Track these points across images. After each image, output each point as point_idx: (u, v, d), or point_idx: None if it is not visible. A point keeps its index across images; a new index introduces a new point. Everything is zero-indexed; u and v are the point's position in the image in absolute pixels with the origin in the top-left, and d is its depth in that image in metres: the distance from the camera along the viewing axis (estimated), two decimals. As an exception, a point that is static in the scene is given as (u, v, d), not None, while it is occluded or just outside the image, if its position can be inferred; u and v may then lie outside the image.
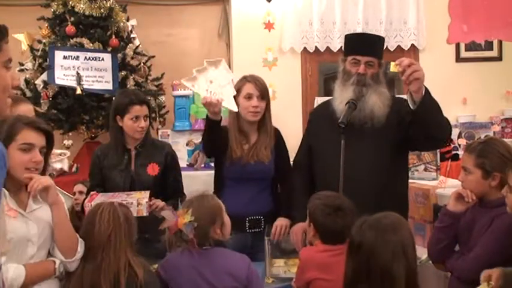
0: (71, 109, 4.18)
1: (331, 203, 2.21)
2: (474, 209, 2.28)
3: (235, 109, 2.81)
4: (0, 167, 1.29)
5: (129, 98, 2.82)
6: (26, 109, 2.81)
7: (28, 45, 4.40)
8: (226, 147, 2.87)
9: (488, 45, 5.10)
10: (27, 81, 4.26)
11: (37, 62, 4.26)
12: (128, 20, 4.50)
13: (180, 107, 4.58)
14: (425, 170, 3.68)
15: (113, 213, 2.09)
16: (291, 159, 3.02)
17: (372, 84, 2.63)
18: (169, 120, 4.69)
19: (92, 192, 2.67)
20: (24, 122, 1.98)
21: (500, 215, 2.17)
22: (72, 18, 4.23)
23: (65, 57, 4.18)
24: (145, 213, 2.49)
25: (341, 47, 4.82)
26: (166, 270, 2.18)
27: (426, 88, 2.40)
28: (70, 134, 4.32)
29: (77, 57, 4.19)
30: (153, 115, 4.24)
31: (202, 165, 4.36)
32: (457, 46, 5.07)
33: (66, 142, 4.25)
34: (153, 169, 2.83)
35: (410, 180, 2.92)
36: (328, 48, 4.92)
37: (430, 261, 2.49)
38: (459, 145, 4.79)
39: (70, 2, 4.23)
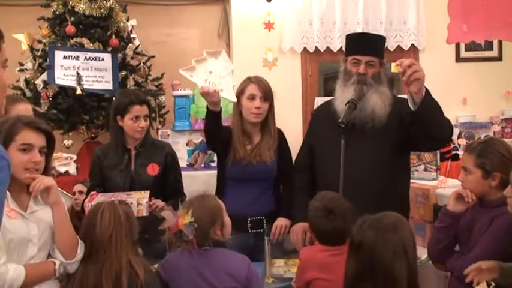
0: (71, 109, 4.18)
1: (325, 205, 2.22)
2: (474, 209, 2.28)
3: (234, 99, 2.82)
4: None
5: (129, 98, 2.82)
6: (25, 108, 2.81)
7: (28, 45, 4.40)
8: (230, 147, 2.87)
9: (488, 45, 5.10)
10: (27, 81, 4.27)
11: (37, 62, 4.26)
12: (127, 20, 4.50)
13: (180, 107, 4.58)
14: (425, 170, 3.68)
15: (114, 213, 2.09)
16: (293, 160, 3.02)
17: (372, 84, 2.63)
18: (169, 120, 4.69)
19: (92, 192, 2.67)
20: (23, 122, 1.98)
21: (500, 215, 2.17)
22: (72, 18, 4.23)
23: (65, 57, 4.18)
24: (145, 213, 2.49)
25: (341, 47, 4.82)
26: (166, 270, 2.18)
27: (427, 89, 2.40)
28: (70, 134, 4.32)
29: (77, 57, 4.19)
30: (153, 115, 4.24)
31: (202, 165, 4.36)
32: (457, 46, 5.07)
33: (66, 142, 4.25)
34: (153, 169, 2.83)
35: (410, 180, 2.91)
36: (328, 48, 4.92)
37: (430, 261, 2.49)
38: (459, 145, 4.79)
39: (70, 2, 4.23)
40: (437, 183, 3.23)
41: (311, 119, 3.06)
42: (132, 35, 4.54)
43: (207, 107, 2.75)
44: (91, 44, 4.21)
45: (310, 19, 4.88)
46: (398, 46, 4.97)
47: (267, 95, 2.88)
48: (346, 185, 2.39)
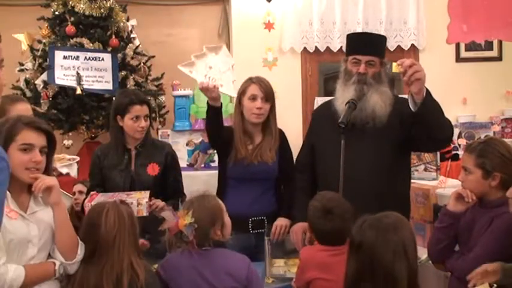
0: (71, 109, 4.19)
1: (324, 205, 2.22)
2: (474, 209, 2.28)
3: (234, 94, 2.83)
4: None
5: (130, 97, 2.82)
6: (24, 108, 2.81)
7: (28, 45, 4.41)
8: (231, 147, 2.87)
9: (488, 45, 5.10)
10: (27, 81, 4.27)
11: (37, 62, 4.26)
12: (127, 20, 4.50)
13: (180, 107, 4.58)
14: (425, 170, 3.68)
15: (118, 213, 2.08)
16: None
17: (373, 84, 2.62)
18: (169, 120, 4.69)
19: (92, 192, 2.67)
20: (24, 122, 1.98)
21: (500, 215, 2.17)
22: (72, 18, 4.24)
23: (65, 57, 4.18)
24: (145, 213, 2.49)
25: (341, 47, 4.83)
26: (166, 271, 2.18)
27: (427, 89, 2.40)
28: (70, 134, 4.32)
29: (77, 57, 4.20)
30: (153, 115, 4.24)
31: (202, 165, 4.36)
32: (457, 46, 5.08)
33: (66, 142, 4.26)
34: (153, 169, 2.83)
35: (411, 181, 2.91)
36: (328, 48, 4.92)
37: (430, 261, 2.49)
38: (459, 145, 4.79)
39: (70, 2, 4.24)
40: (437, 183, 3.23)
41: (312, 118, 3.06)
42: (132, 35, 4.54)
43: (208, 103, 2.76)
44: (91, 44, 4.22)
45: (310, 19, 4.88)
46: (398, 46, 4.97)
47: (269, 96, 2.88)
48: (346, 185, 2.39)
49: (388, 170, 2.60)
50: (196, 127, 4.52)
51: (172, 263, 2.19)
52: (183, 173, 3.05)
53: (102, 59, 4.23)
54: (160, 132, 4.52)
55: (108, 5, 4.29)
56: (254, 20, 4.93)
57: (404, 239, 1.75)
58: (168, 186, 2.87)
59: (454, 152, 4.59)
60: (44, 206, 2.04)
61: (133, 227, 2.11)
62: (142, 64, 4.45)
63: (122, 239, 2.05)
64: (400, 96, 2.89)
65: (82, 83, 4.15)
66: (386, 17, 4.90)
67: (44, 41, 4.31)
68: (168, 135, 4.52)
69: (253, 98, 2.85)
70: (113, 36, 4.29)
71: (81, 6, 4.22)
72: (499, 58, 5.18)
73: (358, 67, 2.64)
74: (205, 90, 2.68)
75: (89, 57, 4.20)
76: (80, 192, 3.41)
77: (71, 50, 4.19)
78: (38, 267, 1.97)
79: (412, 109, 2.43)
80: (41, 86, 4.19)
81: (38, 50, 4.29)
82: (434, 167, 3.69)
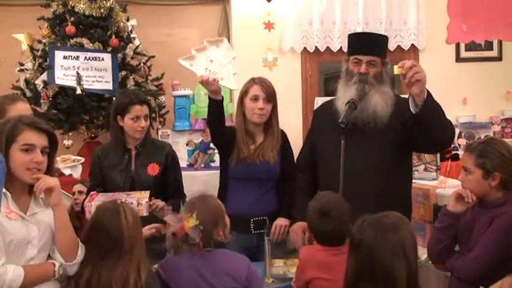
0: (71, 109, 4.18)
1: (322, 207, 2.21)
2: (474, 209, 2.28)
3: (234, 87, 2.85)
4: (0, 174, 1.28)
5: (130, 97, 2.82)
6: (24, 108, 2.82)
7: (28, 45, 4.41)
8: (233, 147, 2.87)
9: (488, 45, 5.10)
10: (27, 81, 4.27)
11: (37, 62, 4.26)
12: (128, 20, 4.50)
13: (180, 107, 4.58)
14: (425, 170, 3.68)
15: (133, 214, 2.08)
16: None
17: (374, 84, 2.61)
18: (169, 120, 4.69)
19: (92, 192, 2.66)
20: (25, 123, 1.98)
21: (500, 215, 2.17)
22: (72, 18, 4.23)
23: (65, 57, 4.18)
24: (145, 213, 2.49)
25: (341, 47, 4.83)
26: (166, 271, 2.18)
27: (428, 91, 2.40)
28: (70, 134, 4.32)
29: (77, 57, 4.20)
30: (153, 115, 4.24)
31: (202, 165, 4.36)
32: (457, 46, 5.08)
33: (66, 142, 4.25)
34: (153, 169, 2.83)
35: (412, 181, 2.90)
36: (328, 48, 4.92)
37: (430, 261, 2.49)
38: (459, 145, 4.79)
39: (70, 2, 4.24)
40: (437, 183, 3.23)
41: (313, 117, 3.06)
42: (132, 35, 4.54)
43: (209, 97, 2.77)
44: (91, 44, 4.22)
45: (310, 19, 4.88)
46: (398, 46, 4.97)
47: (271, 96, 2.88)
48: (347, 185, 2.38)
49: (389, 170, 2.60)
50: (196, 127, 4.52)
51: (172, 263, 2.19)
52: (183, 173, 3.05)
53: (102, 59, 4.23)
54: (160, 132, 4.52)
55: (108, 5, 4.29)
56: (254, 20, 4.93)
57: (404, 239, 1.74)
58: (168, 186, 2.88)
59: (454, 152, 4.59)
60: (45, 207, 2.03)
61: (140, 229, 2.12)
62: (142, 64, 4.45)
63: (139, 240, 2.05)
64: (401, 96, 2.89)
65: (82, 83, 4.15)
66: (386, 17, 4.90)
67: (44, 41, 4.31)
68: (168, 135, 4.52)
69: (255, 98, 2.86)
70: (113, 36, 4.29)
71: (81, 6, 4.21)
72: (499, 58, 5.18)
73: (359, 67, 2.64)
74: (205, 83, 2.69)
75: (89, 57, 4.20)
76: (80, 192, 3.41)
77: (71, 50, 4.19)
78: (38, 268, 1.96)
79: (413, 111, 2.42)
80: (41, 86, 4.19)
81: (38, 50, 4.29)
82: (434, 167, 3.69)
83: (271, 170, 2.88)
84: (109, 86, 4.23)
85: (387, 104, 2.61)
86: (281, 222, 2.88)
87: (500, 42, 5.10)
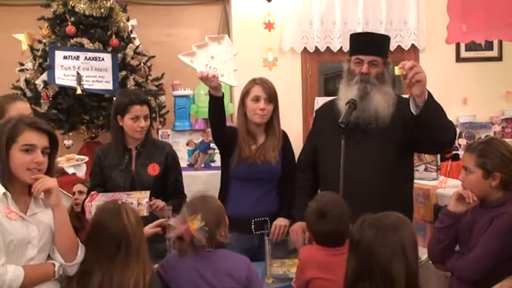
0: (71, 109, 4.18)
1: (320, 208, 2.21)
2: (474, 209, 2.28)
3: (235, 84, 2.87)
4: None
5: (130, 97, 2.82)
6: (24, 107, 2.84)
7: (28, 45, 4.40)
8: (234, 146, 2.87)
9: (489, 45, 5.09)
10: (27, 81, 4.26)
11: (37, 62, 4.26)
12: (128, 20, 4.50)
13: (180, 107, 4.58)
14: (426, 170, 3.68)
15: (135, 214, 2.08)
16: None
17: (376, 84, 2.61)
18: (169, 120, 4.69)
19: (92, 192, 2.67)
20: (26, 123, 1.98)
21: (500, 215, 2.17)
22: (73, 18, 4.23)
23: (65, 57, 4.18)
24: (145, 213, 2.49)
25: (341, 47, 4.83)
26: (167, 271, 2.18)
27: (429, 92, 2.40)
28: (70, 134, 4.32)
29: (77, 57, 4.19)
30: (153, 115, 4.24)
31: (203, 165, 4.36)
32: (457, 46, 5.07)
33: (67, 142, 4.25)
34: (153, 169, 2.83)
35: (414, 181, 2.89)
36: (328, 48, 4.91)
37: (430, 261, 2.49)
38: (459, 145, 4.79)
39: (70, 2, 4.23)
40: (438, 183, 3.24)
41: (314, 116, 3.06)
42: (132, 35, 4.53)
43: (209, 93, 2.77)
44: (91, 44, 4.21)
45: (310, 19, 4.87)
46: (399, 46, 4.97)
47: (272, 97, 2.89)
48: (348, 185, 2.38)
49: (391, 170, 2.60)
50: (196, 127, 4.51)
51: (172, 263, 2.19)
52: (183, 173, 3.06)
53: (102, 59, 4.22)
54: (160, 132, 4.52)
55: (109, 5, 4.28)
56: (254, 20, 4.93)
57: (403, 239, 1.74)
58: (168, 186, 2.88)
59: (454, 152, 4.58)
60: (45, 207, 2.04)
61: (143, 228, 2.12)
62: (142, 64, 4.45)
63: (143, 240, 2.05)
64: (403, 96, 2.88)
65: (82, 83, 4.15)
66: (387, 17, 4.90)
67: (44, 41, 4.31)
68: (168, 135, 4.52)
69: (257, 99, 2.87)
70: (113, 36, 4.28)
71: (82, 6, 4.21)
72: (499, 58, 5.17)
73: (361, 67, 2.64)
74: (204, 79, 2.70)
75: (89, 57, 4.20)
76: (80, 192, 3.41)
77: (71, 50, 4.19)
78: (38, 268, 1.97)
79: (414, 112, 2.42)
80: (41, 86, 4.19)
81: (38, 50, 4.29)
82: (435, 167, 3.69)
83: (272, 170, 2.88)
84: (109, 86, 4.23)
85: (389, 104, 2.61)
86: (281, 222, 2.88)
87: (500, 42, 5.10)
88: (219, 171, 3.08)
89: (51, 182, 1.98)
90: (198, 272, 2.12)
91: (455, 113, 4.93)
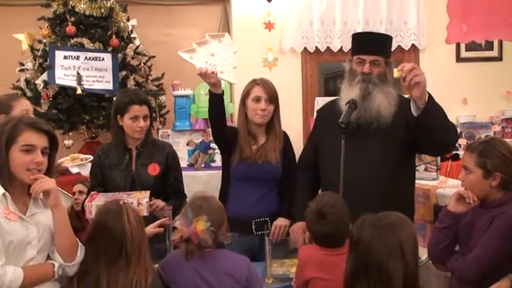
0: (71, 109, 4.18)
1: (318, 209, 2.20)
2: (474, 209, 2.28)
3: (234, 81, 2.88)
4: None
5: (129, 97, 2.83)
6: (27, 103, 2.97)
7: (28, 45, 4.41)
8: (235, 146, 2.87)
9: (489, 45, 5.09)
10: (27, 81, 4.27)
11: (37, 62, 4.26)
12: (128, 20, 4.50)
13: (180, 107, 4.58)
14: (426, 170, 3.68)
15: (135, 214, 2.07)
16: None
17: (378, 83, 2.60)
18: (169, 120, 4.69)
19: (92, 192, 2.67)
20: (25, 123, 1.98)
21: (500, 215, 2.17)
22: (73, 18, 4.23)
23: (65, 57, 4.18)
24: (145, 213, 2.49)
25: (341, 47, 4.83)
26: (167, 271, 2.18)
27: (430, 94, 2.39)
28: (70, 134, 4.32)
29: (77, 57, 4.19)
30: (154, 115, 4.24)
31: (203, 165, 4.36)
32: (458, 46, 5.07)
33: (67, 142, 4.25)
34: (153, 169, 2.83)
35: (415, 182, 2.88)
36: (328, 48, 4.91)
37: (430, 261, 2.49)
38: (459, 145, 4.78)
39: (70, 2, 4.23)
40: (438, 183, 3.23)
41: (316, 116, 3.06)
42: (132, 35, 4.54)
43: (209, 91, 2.78)
44: (91, 44, 4.22)
45: (310, 19, 4.87)
46: (399, 46, 4.96)
47: (272, 97, 2.89)
48: (350, 185, 2.38)
49: (393, 170, 2.59)
50: (196, 127, 4.52)
51: (172, 263, 2.19)
52: (184, 173, 3.06)
53: (103, 59, 4.23)
54: (160, 132, 4.52)
55: (109, 5, 4.28)
56: (254, 20, 4.93)
57: (402, 240, 1.74)
58: (168, 186, 2.88)
59: (454, 152, 4.57)
60: (44, 207, 2.04)
61: (144, 229, 2.12)
62: (142, 64, 4.45)
63: (144, 240, 2.05)
64: (404, 96, 2.88)
65: (82, 83, 4.15)
66: (387, 17, 4.90)
67: (44, 41, 4.31)
68: (169, 135, 4.52)
69: (257, 99, 2.87)
70: (113, 36, 4.29)
71: (82, 6, 4.21)
72: (499, 58, 5.17)
73: (363, 67, 2.63)
74: (203, 75, 2.71)
75: (89, 57, 4.20)
76: (80, 192, 3.41)
77: (72, 50, 4.19)
78: (37, 268, 1.97)
79: (415, 114, 2.42)
80: (42, 86, 4.19)
81: (38, 50, 4.29)
82: (435, 167, 3.69)
83: (273, 170, 2.89)
84: (109, 86, 4.23)
85: (391, 104, 2.60)
86: (281, 222, 2.88)
87: (500, 42, 5.10)
88: (219, 171, 3.08)
89: (50, 183, 1.97)
90: (198, 272, 2.12)
91: (455, 113, 4.93)
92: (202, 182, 4.01)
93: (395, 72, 2.38)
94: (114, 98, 3.43)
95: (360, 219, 1.82)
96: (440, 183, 3.17)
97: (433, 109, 2.39)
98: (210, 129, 3.37)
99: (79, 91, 4.11)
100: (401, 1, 4.93)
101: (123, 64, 4.33)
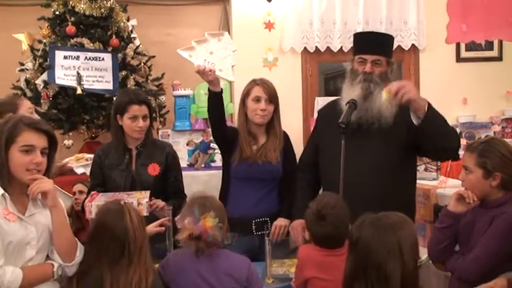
0: (71, 109, 4.19)
1: (318, 210, 2.20)
2: (474, 209, 2.28)
3: (232, 79, 2.90)
4: None
5: (129, 97, 2.83)
6: (30, 103, 3.03)
7: (28, 45, 4.41)
8: (235, 146, 2.87)
9: (489, 45, 5.09)
10: (27, 81, 4.27)
11: (37, 62, 4.26)
12: (128, 20, 4.50)
13: (180, 107, 4.58)
14: (426, 170, 3.68)
15: (137, 214, 2.07)
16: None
17: (379, 83, 2.59)
18: (169, 120, 4.69)
19: (92, 192, 2.67)
20: (25, 123, 1.98)
21: (500, 215, 2.17)
22: (73, 18, 4.23)
23: (65, 57, 4.18)
24: (145, 213, 2.49)
25: (341, 47, 4.83)
26: (167, 271, 2.18)
27: (429, 103, 2.40)
28: (70, 134, 4.32)
29: (77, 57, 4.19)
30: (154, 115, 4.24)
31: (203, 165, 4.36)
32: (458, 46, 5.07)
33: (67, 142, 4.25)
34: (153, 169, 2.83)
35: (416, 182, 2.88)
36: (328, 48, 4.91)
37: (430, 261, 2.49)
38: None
39: (70, 2, 4.23)
40: (438, 183, 3.23)
41: (317, 116, 3.06)
42: (132, 35, 4.54)
43: (209, 89, 2.78)
44: (91, 44, 4.22)
45: (310, 19, 4.87)
46: (399, 46, 4.95)
47: (272, 97, 2.89)
48: (351, 185, 2.38)
49: (394, 171, 2.59)
50: (196, 127, 4.52)
51: (172, 263, 2.19)
52: (184, 173, 3.06)
53: (103, 59, 4.23)
54: (160, 132, 4.52)
55: (109, 5, 4.28)
56: (254, 20, 4.92)
57: (401, 240, 1.74)
58: (168, 186, 2.88)
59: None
60: (43, 208, 2.03)
61: (145, 228, 2.12)
62: (142, 64, 4.45)
63: (145, 240, 2.05)
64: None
65: (82, 83, 4.15)
66: (387, 17, 4.89)
67: (44, 41, 4.31)
68: (169, 135, 4.52)
69: (257, 99, 2.87)
70: (113, 36, 4.29)
71: (82, 6, 4.21)
72: (499, 58, 5.17)
73: (364, 66, 2.63)
74: (201, 73, 2.71)
75: (89, 57, 4.20)
76: (80, 192, 3.41)
77: (72, 50, 4.19)
78: (36, 268, 1.97)
79: (415, 122, 2.43)
80: (42, 86, 4.19)
81: (38, 50, 4.29)
82: (435, 167, 3.69)
83: (273, 170, 2.89)
84: (109, 86, 4.23)
85: (392, 104, 2.59)
86: (281, 222, 2.88)
87: (500, 42, 5.10)
88: (219, 171, 3.08)
89: (47, 184, 1.97)
90: (199, 272, 2.12)
91: (455, 113, 4.93)
92: (202, 182, 4.01)
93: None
94: (114, 98, 3.43)
95: (360, 219, 1.82)
96: (440, 183, 3.17)
97: (432, 117, 2.40)
98: (210, 129, 3.37)
99: (79, 91, 4.11)
100: (401, 1, 4.92)
101: (123, 64, 4.33)
